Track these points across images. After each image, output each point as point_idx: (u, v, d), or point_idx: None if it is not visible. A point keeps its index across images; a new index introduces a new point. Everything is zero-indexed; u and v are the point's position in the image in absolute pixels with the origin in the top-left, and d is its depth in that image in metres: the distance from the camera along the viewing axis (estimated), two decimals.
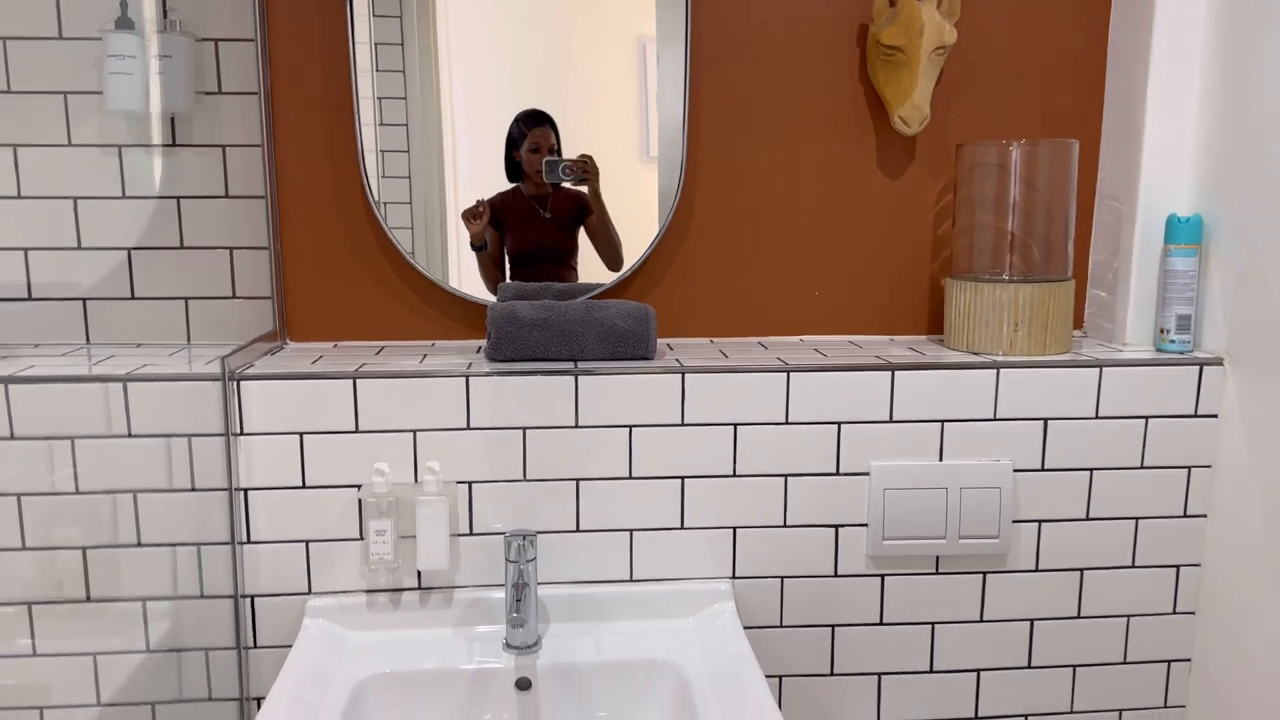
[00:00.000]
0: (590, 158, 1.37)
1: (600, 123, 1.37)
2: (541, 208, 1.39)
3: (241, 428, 1.23)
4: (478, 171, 1.38)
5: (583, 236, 1.40)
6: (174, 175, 1.36)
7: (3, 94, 1.33)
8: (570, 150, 1.37)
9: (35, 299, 1.37)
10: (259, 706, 1.30)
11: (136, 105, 1.32)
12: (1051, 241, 1.34)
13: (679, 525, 1.31)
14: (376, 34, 1.34)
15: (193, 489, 1.23)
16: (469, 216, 1.38)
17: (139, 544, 1.23)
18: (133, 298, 1.39)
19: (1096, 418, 1.31)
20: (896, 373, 1.30)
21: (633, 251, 1.41)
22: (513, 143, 1.37)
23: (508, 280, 1.40)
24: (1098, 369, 1.30)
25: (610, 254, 1.41)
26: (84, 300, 1.38)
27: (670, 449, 1.29)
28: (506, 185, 1.38)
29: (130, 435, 1.22)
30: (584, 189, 1.38)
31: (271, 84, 1.36)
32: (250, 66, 1.34)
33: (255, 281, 1.39)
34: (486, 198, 1.38)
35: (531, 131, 1.37)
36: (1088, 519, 1.34)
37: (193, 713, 1.28)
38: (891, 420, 1.31)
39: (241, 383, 1.22)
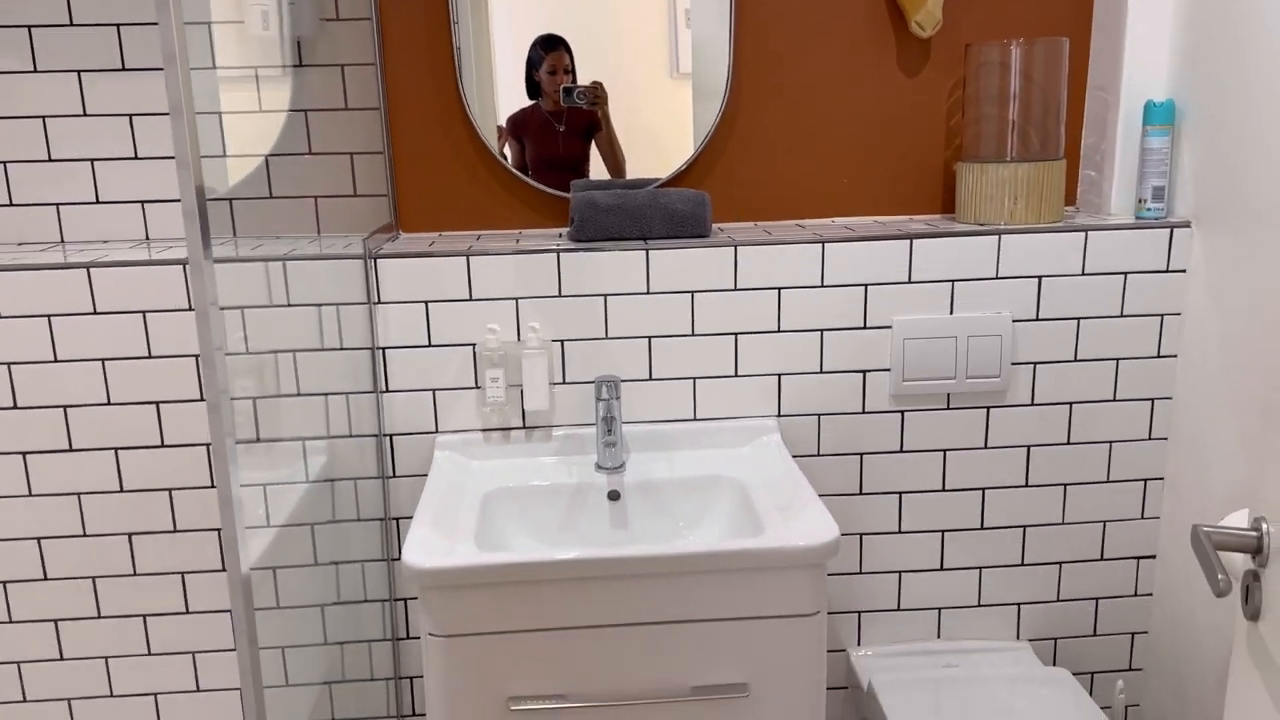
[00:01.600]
0: (600, 84, 1.61)
1: (624, 45, 1.61)
2: (557, 122, 1.64)
3: (379, 297, 1.51)
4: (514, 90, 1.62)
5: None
6: (301, 92, 1.62)
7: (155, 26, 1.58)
8: (587, 71, 1.61)
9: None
10: (398, 525, 1.62)
11: (270, 31, 1.57)
12: (1047, 127, 1.58)
13: (733, 374, 1.59)
14: None
15: (341, 348, 1.52)
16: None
17: (299, 394, 1.53)
18: (270, 197, 1.66)
19: (1083, 275, 1.57)
20: (914, 241, 1.55)
21: (679, 154, 1.65)
22: (532, 64, 1.61)
23: None
24: (1084, 233, 1.55)
25: (615, 163, 1.65)
26: (229, 200, 1.66)
27: (725, 311, 1.56)
28: (528, 102, 1.62)
29: (289, 305, 1.50)
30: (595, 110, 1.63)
31: (381, 11, 1.60)
32: None
33: (372, 181, 1.65)
34: (503, 122, 1.62)
35: (548, 55, 1.61)
36: (1075, 360, 1.60)
37: (345, 531, 1.59)
38: (910, 282, 1.56)
39: (378, 261, 1.50)
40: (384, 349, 1.54)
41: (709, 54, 1.62)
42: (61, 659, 1.59)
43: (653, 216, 1.56)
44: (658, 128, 1.65)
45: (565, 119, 1.62)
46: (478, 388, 1.56)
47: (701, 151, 1.66)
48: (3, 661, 1.58)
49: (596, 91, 1.61)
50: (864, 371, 1.60)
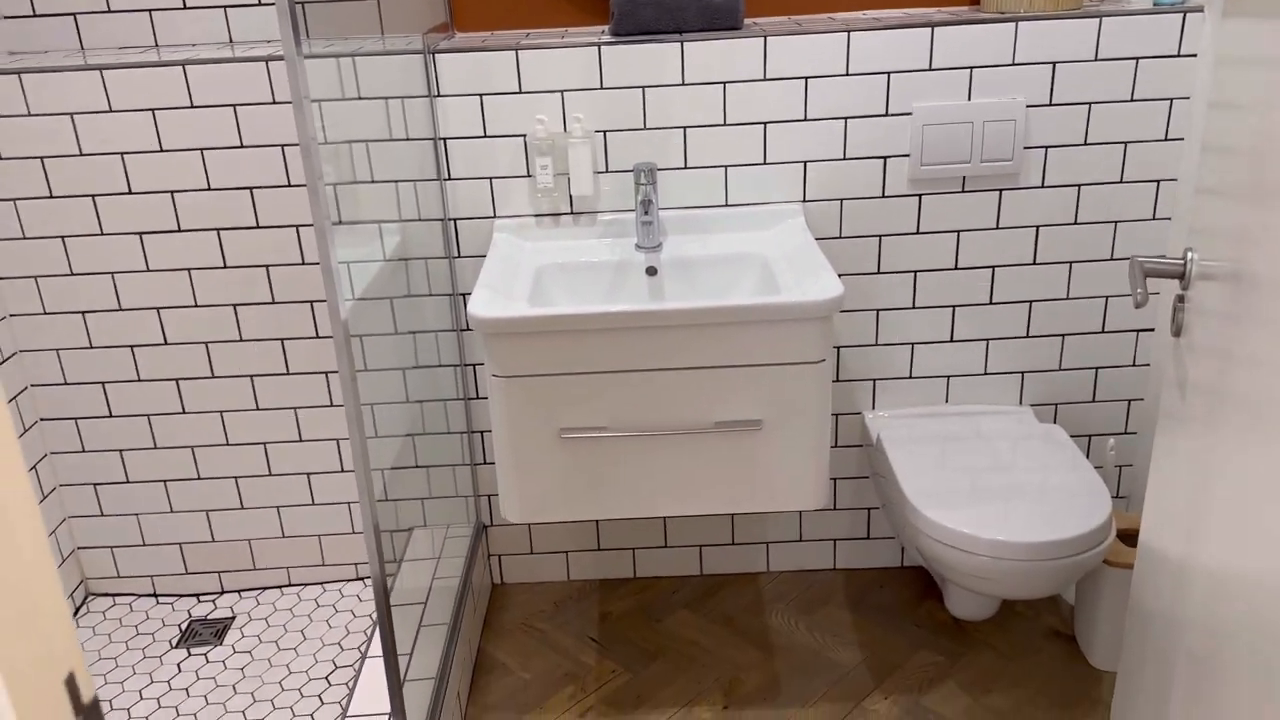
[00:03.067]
0: None
1: None
2: None
3: (439, 90, 1.68)
4: None
5: None
6: None
7: None
8: None
9: (264, 5, 1.80)
10: (464, 300, 1.83)
11: None
12: None
13: (762, 161, 1.73)
14: None
15: (408, 139, 1.70)
16: None
17: (373, 180, 1.72)
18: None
19: (1096, 60, 1.65)
20: (935, 30, 1.65)
21: None
22: None
23: None
24: (1098, 19, 1.62)
25: None
26: (301, 2, 1.80)
27: (754, 101, 1.69)
28: None
29: (360, 98, 1.67)
30: None
31: None
32: None
33: None
34: None
35: None
36: (1086, 144, 1.71)
37: (418, 305, 1.81)
38: (930, 69, 1.67)
39: (437, 56, 1.66)
40: (445, 140, 1.71)
41: None
42: (184, 412, 1.88)
43: (688, 9, 1.67)
44: None
45: None
46: (529, 176, 1.73)
47: None
48: (134, 415, 1.87)
49: None
50: (884, 157, 1.73)
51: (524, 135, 1.71)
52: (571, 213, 1.76)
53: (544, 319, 1.42)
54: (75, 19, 1.76)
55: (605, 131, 1.71)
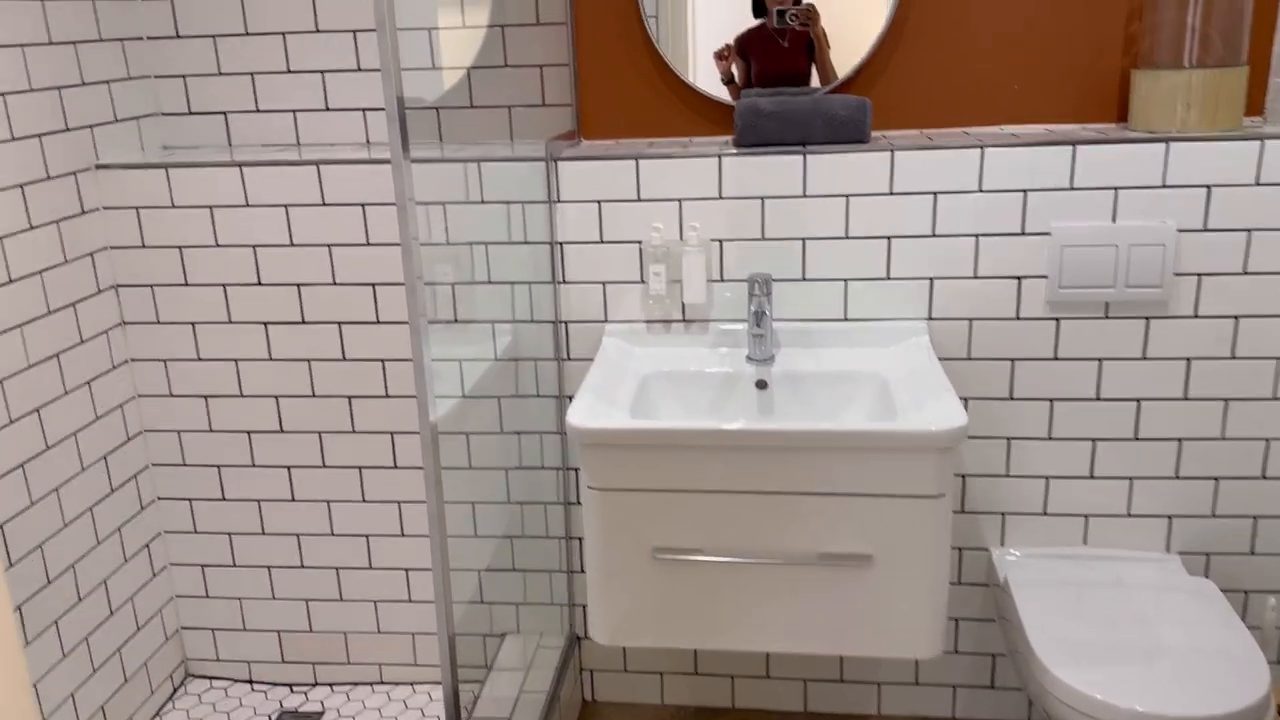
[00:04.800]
0: (812, 6, 1.67)
1: None
2: (781, 39, 1.71)
3: (559, 196, 1.68)
4: (716, 7, 1.71)
5: None
6: (500, 8, 1.79)
7: None
8: None
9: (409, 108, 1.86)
10: (570, 400, 1.80)
11: None
12: (1230, 32, 1.52)
13: (885, 276, 1.66)
14: None
15: (525, 242, 1.70)
16: (716, 57, 1.72)
17: (489, 281, 1.73)
18: (471, 106, 1.85)
19: (1257, 184, 1.52)
20: (1077, 147, 1.55)
21: (854, 57, 1.71)
22: None
23: None
24: (1260, 141, 1.50)
25: (824, 75, 1.71)
26: (437, 109, 1.86)
27: (879, 214, 1.62)
28: (754, 21, 1.70)
29: (483, 202, 1.69)
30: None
31: None
32: None
33: (559, 91, 1.80)
34: (732, 41, 1.71)
35: None
36: (1245, 273, 1.56)
37: (523, 405, 1.80)
38: (1071, 188, 1.57)
39: (559, 163, 1.67)
40: (561, 244, 1.71)
41: None
42: (293, 500, 1.90)
43: (814, 122, 1.63)
44: (849, 33, 1.70)
45: (788, 36, 1.70)
46: (642, 282, 1.71)
47: (869, 58, 1.71)
48: (245, 499, 1.90)
49: (809, 13, 1.68)
50: (1019, 278, 1.63)
51: (639, 242, 1.69)
52: (683, 320, 1.72)
53: (643, 432, 1.37)
54: (226, 117, 1.86)
55: (721, 240, 1.67)
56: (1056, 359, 1.66)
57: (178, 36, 1.83)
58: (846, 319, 1.68)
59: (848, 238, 1.64)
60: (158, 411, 1.86)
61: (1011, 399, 1.69)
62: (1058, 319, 1.64)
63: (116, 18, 1.77)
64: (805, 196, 1.63)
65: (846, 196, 1.63)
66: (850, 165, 1.61)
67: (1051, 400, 1.68)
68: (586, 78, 1.80)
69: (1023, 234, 1.61)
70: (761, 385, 1.61)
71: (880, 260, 1.65)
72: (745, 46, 1.72)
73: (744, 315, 1.70)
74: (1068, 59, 1.68)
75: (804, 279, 1.67)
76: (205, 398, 1.85)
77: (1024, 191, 1.59)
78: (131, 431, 1.84)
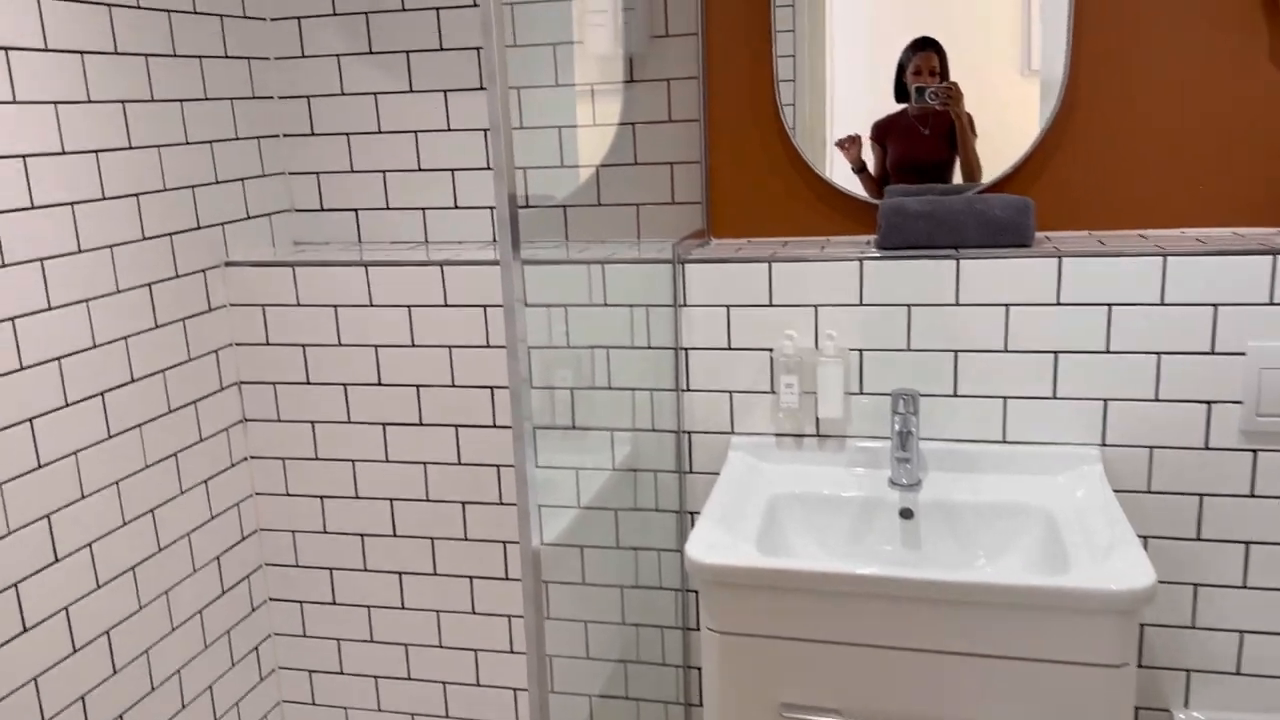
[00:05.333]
0: (955, 84, 1.54)
1: (979, 43, 1.53)
2: (923, 126, 1.58)
3: (685, 300, 1.58)
4: (856, 97, 1.60)
5: None
6: (631, 106, 1.73)
7: (511, 48, 1.75)
8: (953, 72, 1.55)
9: (530, 206, 1.81)
10: (692, 520, 1.67)
11: (606, 49, 1.69)
12: None
13: (1050, 395, 1.48)
14: None
15: (649, 347, 1.60)
16: (841, 146, 1.61)
17: (609, 387, 1.63)
18: (599, 204, 1.78)
19: None
20: (1277, 257, 1.35)
21: (1011, 153, 1.56)
22: (900, 68, 1.57)
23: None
24: None
25: (968, 168, 1.57)
26: (564, 207, 1.80)
27: (1044, 326, 1.45)
28: (896, 107, 1.58)
29: (605, 305, 1.61)
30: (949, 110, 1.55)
31: (707, 27, 1.67)
32: (691, 12, 1.65)
33: (689, 189, 1.72)
34: (866, 130, 1.59)
35: (915, 56, 1.56)
36: None
37: (643, 520, 1.68)
38: (1271, 303, 1.37)
39: (685, 266, 1.57)
40: (687, 350, 1.60)
41: (1052, 48, 1.52)
42: (402, 608, 1.82)
43: (967, 224, 1.49)
44: (998, 128, 1.57)
45: (930, 122, 1.59)
46: (772, 393, 1.58)
47: (1031, 154, 1.56)
48: (355, 605, 1.84)
49: (950, 91, 1.56)
50: (1208, 402, 1.42)
51: (770, 350, 1.57)
52: (817, 435, 1.58)
53: (770, 572, 1.23)
54: (356, 214, 1.85)
55: (861, 350, 1.53)
56: (1253, 496, 1.43)
57: (312, 134, 1.84)
58: (1005, 441, 1.51)
59: (1007, 351, 1.48)
60: (273, 511, 1.83)
61: (1199, 540, 1.46)
62: (1254, 450, 1.42)
63: (254, 116, 1.79)
64: (958, 305, 1.48)
65: (1006, 305, 1.46)
66: (1011, 271, 1.45)
67: (1247, 543, 1.45)
68: (718, 173, 1.71)
69: (1213, 353, 1.40)
70: (907, 515, 1.44)
71: (1045, 377, 1.47)
72: (882, 133, 1.60)
73: (884, 431, 1.54)
74: (1257, 155, 1.48)
75: (955, 395, 1.51)
76: (321, 498, 1.80)
77: (1214, 305, 1.39)
78: (247, 530, 1.81)
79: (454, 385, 1.72)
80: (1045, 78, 1.52)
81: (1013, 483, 1.46)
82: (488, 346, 1.69)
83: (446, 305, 1.69)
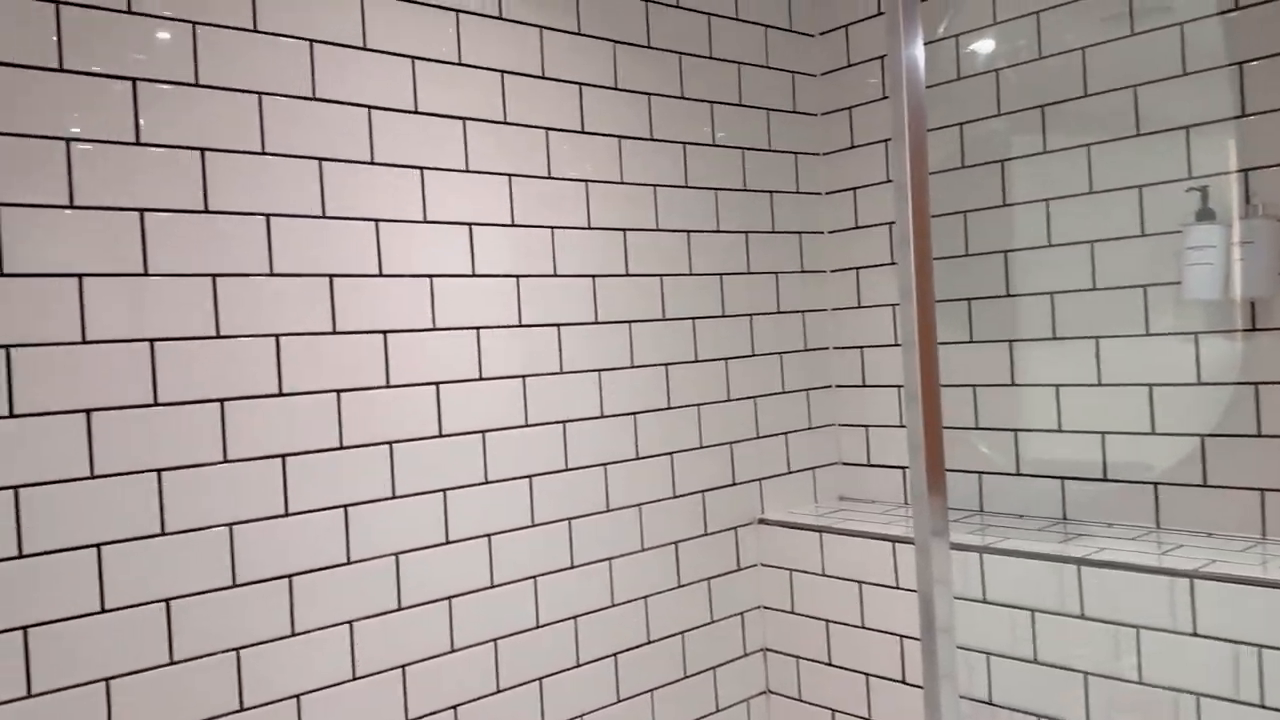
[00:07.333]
0: None
1: None
2: None
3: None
4: None
5: None
6: (1252, 360, 1.30)
7: (1089, 291, 1.45)
8: None
9: (1109, 479, 1.44)
10: None
11: (1214, 294, 1.30)
12: None
13: None
14: None
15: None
16: None
17: None
18: (1204, 485, 1.35)
19: None
20: None
21: None
22: None
23: None
24: None
25: None
26: (1155, 484, 1.40)
27: None
28: None
29: (1195, 634, 1.18)
30: None
31: None
32: None
33: None
34: None
35: None
36: None
37: None
38: None
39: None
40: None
41: None
42: None
43: None
44: None
45: None
46: None
47: None
48: None
49: None
50: None
51: None
52: None
53: None
54: (903, 472, 1.66)
55: None
56: None
57: (864, 385, 1.72)
58: None
59: None
60: None
61: None
62: None
63: (800, 369, 1.73)
64: None
65: None
66: None
67: None
68: None
69: None
70: None
71: None
72: None
73: None
74: None
75: None
76: None
77: None
78: None
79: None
80: None
81: None
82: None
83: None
